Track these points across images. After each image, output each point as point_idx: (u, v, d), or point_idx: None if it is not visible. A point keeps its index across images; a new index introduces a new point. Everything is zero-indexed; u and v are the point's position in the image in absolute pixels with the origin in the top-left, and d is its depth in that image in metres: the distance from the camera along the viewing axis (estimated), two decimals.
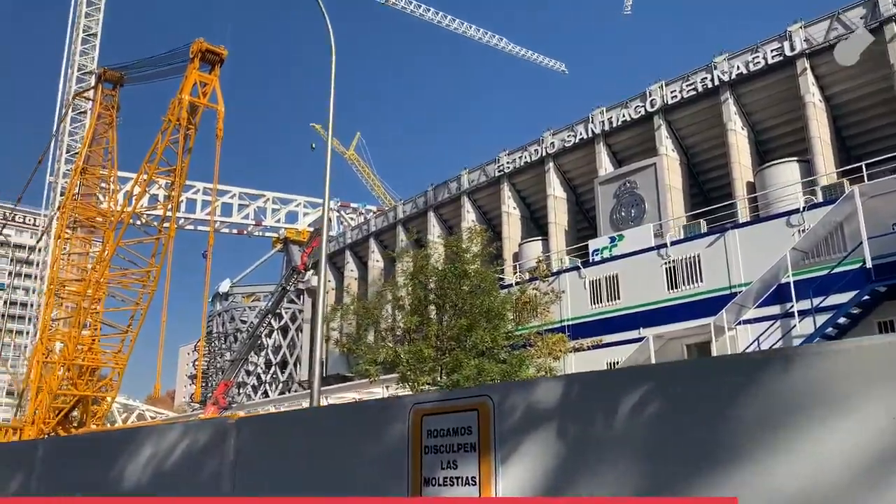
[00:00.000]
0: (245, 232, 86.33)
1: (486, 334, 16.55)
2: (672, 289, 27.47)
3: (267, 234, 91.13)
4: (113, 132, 31.76)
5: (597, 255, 31.10)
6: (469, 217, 61.60)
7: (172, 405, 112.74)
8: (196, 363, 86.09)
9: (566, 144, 52.72)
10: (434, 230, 65.79)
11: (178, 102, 26.11)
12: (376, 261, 74.46)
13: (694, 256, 27.36)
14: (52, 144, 62.65)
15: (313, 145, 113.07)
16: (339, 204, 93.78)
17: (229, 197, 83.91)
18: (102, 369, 28.65)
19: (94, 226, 31.92)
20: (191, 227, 76.49)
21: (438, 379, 16.65)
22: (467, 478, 3.21)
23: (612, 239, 32.85)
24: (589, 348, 19.79)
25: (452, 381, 15.79)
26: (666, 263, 27.71)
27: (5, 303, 71.43)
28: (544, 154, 54.10)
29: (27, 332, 73.07)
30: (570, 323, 23.04)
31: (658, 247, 29.90)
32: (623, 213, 46.60)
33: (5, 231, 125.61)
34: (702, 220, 31.84)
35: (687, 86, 46.87)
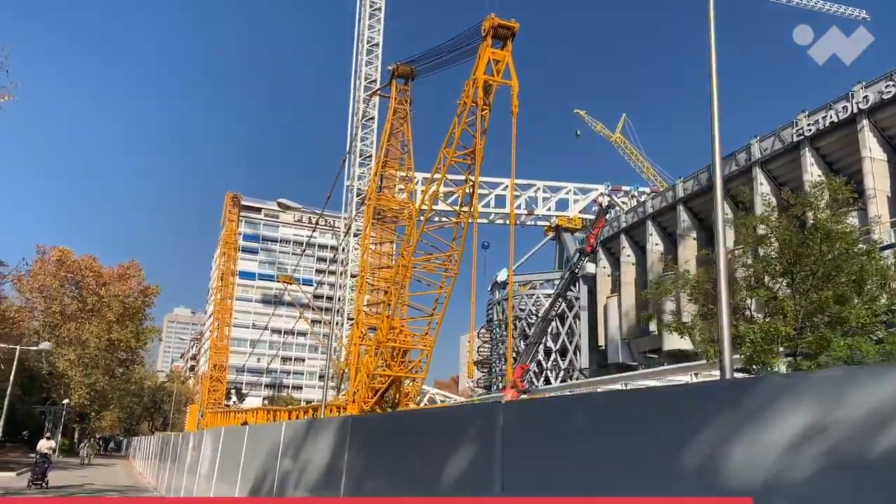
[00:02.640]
0: (518, 222, 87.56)
1: (861, 309, 13.64)
2: None
3: (539, 223, 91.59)
4: (407, 125, 33.43)
5: None
6: (762, 190, 55.67)
7: (457, 390, 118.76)
8: (479, 349, 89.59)
9: (884, 97, 45.12)
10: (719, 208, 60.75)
11: (473, 83, 26.31)
12: (655, 244, 70.82)
13: None
14: (349, 151, 68.77)
15: (578, 132, 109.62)
16: (609, 188, 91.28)
17: (502, 188, 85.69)
18: (412, 351, 30.09)
19: (396, 216, 33.94)
20: (449, 224, 79.21)
21: (795, 361, 14.10)
22: None
23: None
24: None
25: (815, 364, 13.18)
26: None
27: (316, 296, 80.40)
28: (856, 111, 46.88)
29: (337, 322, 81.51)
30: None
31: None
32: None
33: (308, 233, 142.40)
34: None
35: None
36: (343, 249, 72.59)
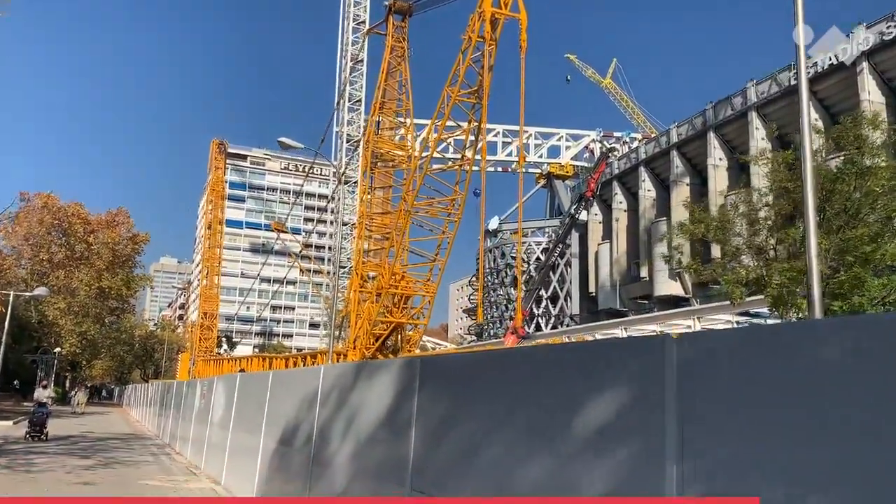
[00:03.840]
0: (510, 169, 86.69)
1: (894, 247, 13.27)
2: None
3: (530, 170, 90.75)
4: (405, 65, 32.39)
5: None
6: (758, 135, 55.16)
7: (447, 337, 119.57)
8: (470, 297, 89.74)
9: (885, 38, 44.35)
10: (715, 153, 60.26)
11: (479, 16, 25.26)
12: (647, 190, 70.49)
13: None
14: (340, 96, 67.26)
15: (568, 77, 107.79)
16: (601, 134, 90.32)
17: (493, 135, 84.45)
18: (414, 298, 29.74)
19: (395, 159, 33.14)
20: (452, 167, 78.27)
21: (829, 303, 13.76)
22: None
23: None
24: None
25: (851, 306, 12.86)
26: None
27: (306, 245, 79.86)
28: (857, 53, 46.12)
29: (332, 272, 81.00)
30: None
31: None
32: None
33: (297, 182, 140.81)
34: None
35: None
36: (335, 198, 71.70)
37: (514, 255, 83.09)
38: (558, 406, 3.67)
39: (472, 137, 26.65)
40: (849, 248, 13.16)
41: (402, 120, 33.50)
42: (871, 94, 45.91)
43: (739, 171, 59.45)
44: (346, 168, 61.51)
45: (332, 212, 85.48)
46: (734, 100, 58.29)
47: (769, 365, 2.59)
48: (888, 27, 44.10)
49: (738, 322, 27.81)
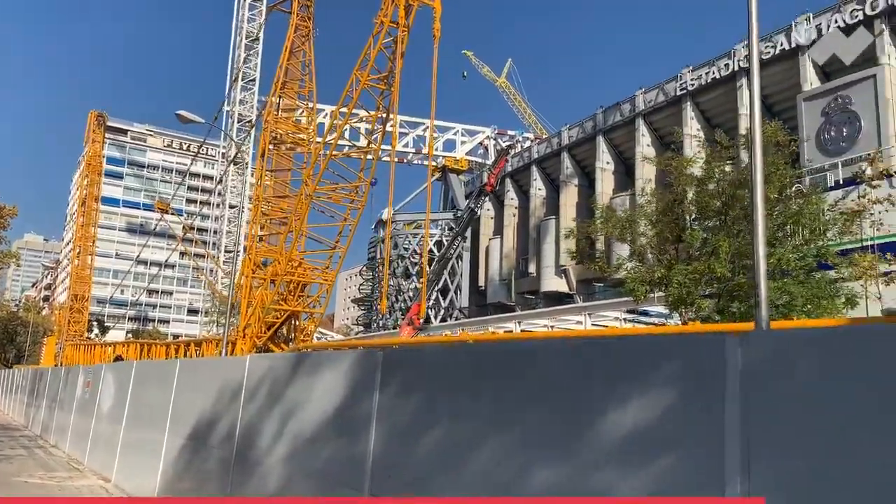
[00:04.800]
0: (405, 160, 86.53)
1: (788, 252, 14.10)
2: None
3: (425, 162, 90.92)
4: (310, 45, 31.35)
5: None
6: (644, 141, 57.80)
7: (333, 327, 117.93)
8: (360, 287, 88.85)
9: (763, 57, 47.46)
10: (603, 157, 62.60)
11: (393, 1, 24.79)
12: (538, 189, 72.35)
13: None
14: (229, 72, 64.69)
15: (465, 74, 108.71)
16: (496, 131, 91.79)
17: (389, 125, 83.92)
18: (312, 286, 28.98)
19: (295, 142, 32.07)
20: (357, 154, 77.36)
21: (720, 302, 14.47)
22: None
23: None
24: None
25: (746, 306, 13.45)
26: None
27: (192, 228, 76.41)
28: (736, 68, 49.14)
29: (214, 256, 77.95)
30: (878, 242, 18.75)
31: None
32: (833, 133, 41.67)
33: (181, 161, 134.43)
34: None
35: None
36: (221, 181, 68.96)
37: (406, 246, 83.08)
38: (574, 409, 3.34)
39: (380, 125, 26.27)
40: (747, 253, 13.93)
41: (304, 102, 32.54)
42: (748, 108, 48.95)
43: (625, 175, 62.16)
44: (236, 149, 59.32)
45: (220, 194, 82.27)
46: (623, 106, 60.72)
47: (856, 370, 2.34)
48: (766, 48, 47.16)
49: (625, 320, 29.00)
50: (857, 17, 42.62)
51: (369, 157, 27.48)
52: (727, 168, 16.42)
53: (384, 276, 36.52)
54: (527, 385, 3.72)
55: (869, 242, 14.58)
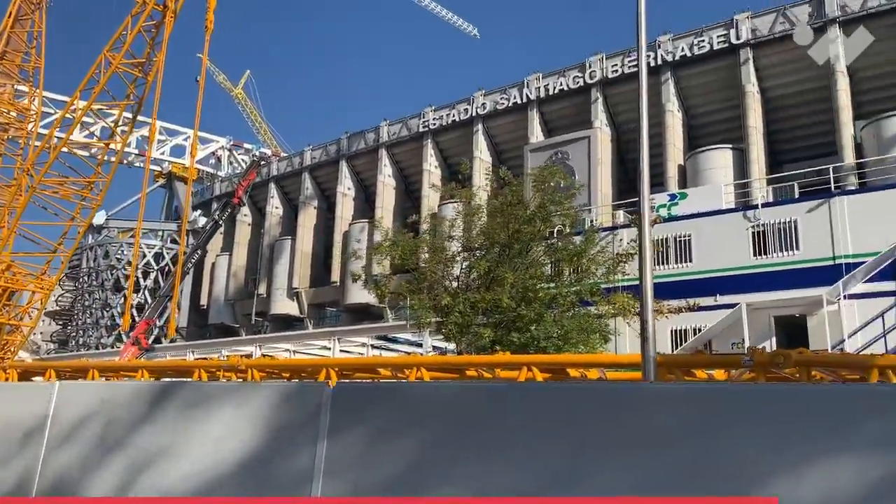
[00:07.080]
0: (126, 162, 78.80)
1: (562, 288, 14.93)
2: (759, 255, 25.15)
3: (150, 166, 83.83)
4: (41, 15, 26.86)
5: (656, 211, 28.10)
6: (386, 171, 59.41)
7: None
8: (58, 299, 78.31)
9: (498, 107, 51.73)
10: (345, 181, 63.00)
11: None
12: (275, 207, 70.41)
13: (788, 222, 24.94)
14: None
15: (198, 78, 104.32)
16: (231, 143, 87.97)
17: (110, 121, 76.03)
18: (22, 294, 24.45)
19: (11, 123, 26.93)
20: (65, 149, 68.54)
21: (497, 332, 14.75)
22: None
23: (673, 196, 31.28)
24: (675, 312, 18.20)
25: (528, 338, 13.95)
26: (754, 227, 25.41)
27: None
28: (474, 114, 52.85)
29: None
30: (628, 283, 20.78)
31: (744, 208, 27.54)
32: (552, 184, 46.50)
33: None
34: (794, 184, 29.94)
35: (629, 61, 47.16)
36: None
37: (118, 256, 75.52)
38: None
39: (129, 115, 23.32)
40: (528, 287, 14.62)
41: (28, 79, 27.78)
42: (482, 152, 52.81)
43: (365, 203, 63.19)
44: None
45: None
46: (368, 135, 61.91)
47: None
48: (501, 98, 51.46)
49: (372, 346, 28.98)
50: (578, 82, 48.30)
51: (113, 149, 24.29)
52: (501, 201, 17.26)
53: (175, 286, 31.46)
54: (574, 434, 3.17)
55: (621, 284, 16.22)
